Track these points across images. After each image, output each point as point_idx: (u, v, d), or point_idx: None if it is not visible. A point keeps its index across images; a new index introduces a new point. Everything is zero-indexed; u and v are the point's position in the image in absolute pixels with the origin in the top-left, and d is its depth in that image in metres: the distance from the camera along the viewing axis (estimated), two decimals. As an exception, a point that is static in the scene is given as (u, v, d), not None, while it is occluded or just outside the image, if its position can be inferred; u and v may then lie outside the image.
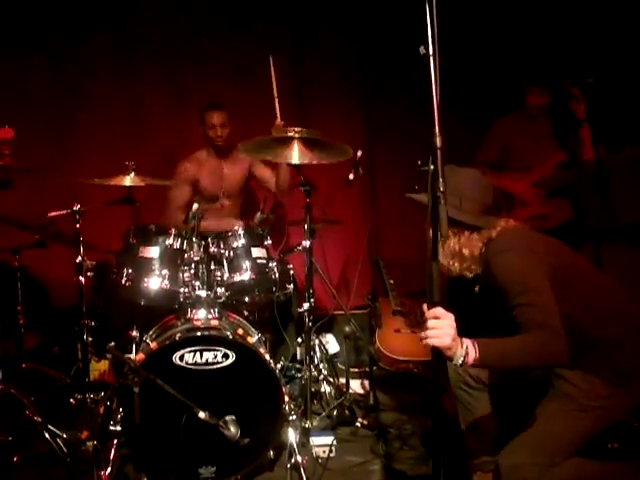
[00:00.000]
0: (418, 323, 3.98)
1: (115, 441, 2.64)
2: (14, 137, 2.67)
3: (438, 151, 1.51)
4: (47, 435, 2.74)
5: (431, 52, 1.50)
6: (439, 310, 1.73)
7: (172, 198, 3.70)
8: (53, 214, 2.76)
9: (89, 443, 2.59)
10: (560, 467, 2.05)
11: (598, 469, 2.17)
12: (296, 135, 2.87)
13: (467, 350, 1.78)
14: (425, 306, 1.78)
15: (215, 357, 2.57)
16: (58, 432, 2.76)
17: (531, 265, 2.01)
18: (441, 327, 1.72)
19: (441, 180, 1.50)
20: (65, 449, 2.71)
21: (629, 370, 2.05)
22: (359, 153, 3.03)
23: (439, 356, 1.76)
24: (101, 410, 2.83)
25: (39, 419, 2.78)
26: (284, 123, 3.37)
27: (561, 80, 3.57)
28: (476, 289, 2.27)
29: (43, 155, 3.90)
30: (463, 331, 1.80)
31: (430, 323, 1.72)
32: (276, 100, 3.40)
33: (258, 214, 3.22)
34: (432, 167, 1.53)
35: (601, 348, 2.05)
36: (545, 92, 3.71)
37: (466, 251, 2.12)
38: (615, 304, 2.15)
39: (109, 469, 2.51)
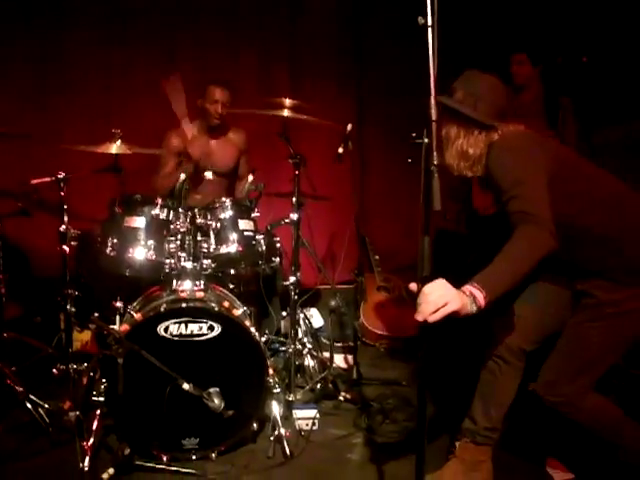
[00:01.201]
0: (402, 299, 4.01)
1: (98, 412, 2.63)
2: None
3: (433, 124, 1.49)
4: (29, 405, 2.71)
5: (430, 23, 1.48)
6: (428, 287, 1.73)
7: (162, 166, 3.64)
8: (36, 181, 2.71)
9: (71, 413, 2.59)
10: (592, 398, 2.20)
11: (621, 414, 2.26)
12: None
13: (473, 294, 1.80)
14: (414, 285, 1.79)
15: (200, 329, 2.55)
16: (40, 402, 2.74)
17: (528, 161, 2.07)
18: (440, 297, 1.73)
19: (435, 154, 1.48)
20: (47, 419, 2.69)
21: None
22: (349, 127, 3.01)
23: (425, 330, 1.76)
24: (84, 380, 2.81)
25: (20, 389, 2.75)
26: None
27: (556, 54, 3.56)
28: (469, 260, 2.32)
29: (27, 121, 3.82)
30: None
31: (430, 296, 1.73)
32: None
33: (246, 185, 3.17)
34: (427, 140, 1.51)
35: (608, 246, 2.12)
36: (525, 60, 3.69)
37: (471, 150, 2.19)
38: (617, 201, 2.20)
39: (91, 439, 2.49)
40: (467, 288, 1.82)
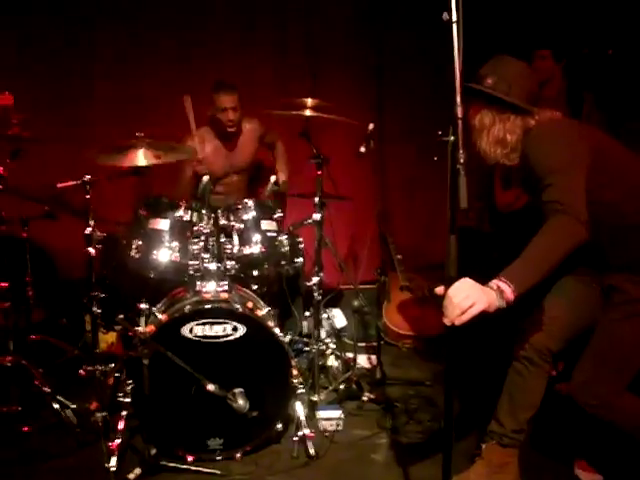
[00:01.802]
0: (426, 298, 3.98)
1: (124, 412, 2.64)
2: (13, 103, 2.63)
3: (459, 121, 1.48)
4: (56, 406, 2.75)
5: (454, 19, 1.46)
6: (453, 290, 1.72)
7: (182, 174, 3.64)
8: (62, 185, 2.73)
9: (98, 414, 2.62)
10: (624, 398, 2.15)
11: None
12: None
13: (500, 289, 1.78)
14: (440, 288, 1.77)
15: (224, 330, 2.56)
16: (67, 403, 2.78)
17: (567, 149, 2.05)
18: (468, 295, 1.72)
19: (461, 151, 1.47)
20: (74, 420, 2.73)
21: None
22: (371, 126, 3.00)
23: (452, 331, 1.74)
24: (110, 381, 2.83)
25: (48, 390, 2.79)
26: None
27: (580, 48, 3.50)
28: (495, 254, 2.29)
29: (52, 125, 3.87)
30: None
31: (456, 298, 1.71)
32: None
33: (269, 185, 3.17)
34: (453, 138, 1.49)
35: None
36: (548, 56, 3.64)
37: (509, 137, 2.15)
38: None
39: (118, 440, 2.52)
40: (495, 282, 1.80)
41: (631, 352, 2.13)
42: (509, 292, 1.78)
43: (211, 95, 3.56)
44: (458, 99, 1.47)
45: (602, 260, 2.18)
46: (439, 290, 1.79)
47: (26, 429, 2.72)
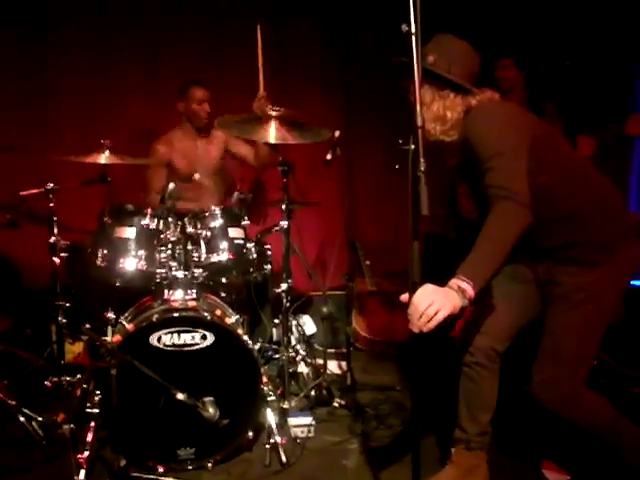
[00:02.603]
0: (394, 304, 4.02)
1: (92, 424, 2.61)
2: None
3: (419, 130, 1.51)
4: (22, 418, 2.70)
5: (413, 30, 1.49)
6: (416, 297, 1.74)
7: (149, 181, 3.66)
8: (25, 193, 2.69)
9: (65, 426, 2.58)
10: (588, 395, 2.17)
11: (616, 414, 2.23)
12: (274, 114, 2.84)
13: (461, 288, 1.79)
14: (405, 296, 1.79)
15: (193, 338, 2.55)
16: (33, 415, 2.72)
17: (507, 130, 2.04)
18: (432, 302, 1.73)
19: (422, 160, 1.49)
20: (41, 432, 2.68)
21: (610, 241, 2.11)
22: (337, 133, 3.01)
23: (419, 337, 1.76)
24: (77, 392, 2.80)
25: (13, 402, 2.73)
26: (266, 94, 3.32)
27: (539, 61, 3.58)
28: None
29: (14, 132, 3.81)
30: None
31: (421, 307, 1.73)
32: (260, 70, 3.34)
33: (235, 194, 3.17)
34: (413, 146, 1.52)
35: (575, 222, 2.10)
36: (510, 65, 3.70)
37: (449, 114, 2.13)
38: (585, 176, 2.20)
39: (86, 452, 2.48)
40: (454, 282, 1.80)
41: (581, 342, 2.14)
42: (470, 290, 1.79)
43: (186, 91, 3.65)
44: (418, 108, 1.50)
45: (535, 248, 2.19)
46: (404, 298, 1.81)
47: (-9, 443, 2.67)
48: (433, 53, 2.11)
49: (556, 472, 2.51)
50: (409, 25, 1.48)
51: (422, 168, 1.50)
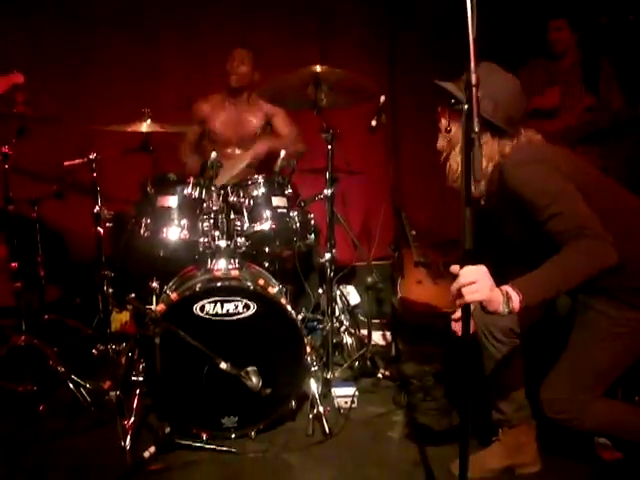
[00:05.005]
0: (441, 274, 3.93)
1: (138, 391, 2.64)
2: (24, 82, 2.60)
3: (473, 89, 1.41)
4: (71, 385, 2.76)
5: (474, 82, 1.39)
6: (465, 270, 1.68)
7: (185, 136, 3.72)
8: (68, 163, 2.71)
9: (112, 393, 2.62)
10: (596, 406, 2.07)
11: (631, 411, 2.17)
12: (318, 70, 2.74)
13: (509, 295, 1.72)
14: (455, 267, 1.73)
15: (236, 308, 2.53)
16: (81, 382, 2.78)
17: (554, 174, 1.93)
18: (476, 281, 1.67)
19: (476, 120, 1.40)
20: (89, 398, 2.73)
21: None
22: (382, 99, 2.91)
23: (467, 309, 1.70)
24: (123, 361, 2.83)
25: (62, 369, 2.79)
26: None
27: (597, 16, 3.37)
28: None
29: (57, 103, 3.82)
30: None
31: (462, 280, 1.67)
32: None
33: (279, 160, 3.11)
34: (467, 106, 1.43)
35: (622, 267, 1.95)
36: (564, 26, 3.50)
37: (485, 163, 2.00)
38: (634, 219, 2.07)
39: (132, 418, 2.51)
40: (505, 288, 1.74)
41: (609, 369, 2.07)
42: (517, 302, 1.73)
43: (230, 52, 3.69)
44: (472, 65, 1.40)
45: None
46: (454, 268, 1.75)
47: (41, 409, 2.72)
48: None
49: (608, 449, 2.43)
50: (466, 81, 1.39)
51: (476, 129, 1.40)
